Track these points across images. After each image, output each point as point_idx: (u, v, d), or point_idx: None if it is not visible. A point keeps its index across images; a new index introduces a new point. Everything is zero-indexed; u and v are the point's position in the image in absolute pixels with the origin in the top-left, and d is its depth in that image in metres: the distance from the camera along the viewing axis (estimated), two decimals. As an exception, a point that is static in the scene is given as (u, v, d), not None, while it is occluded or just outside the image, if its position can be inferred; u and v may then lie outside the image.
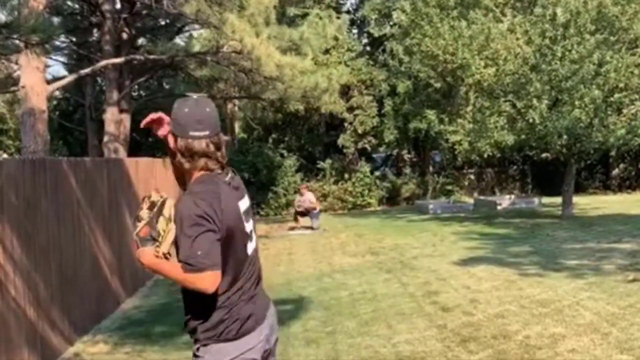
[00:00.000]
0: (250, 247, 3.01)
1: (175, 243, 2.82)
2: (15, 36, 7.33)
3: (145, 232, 2.89)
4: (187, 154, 2.86)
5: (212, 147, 2.87)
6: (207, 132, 2.86)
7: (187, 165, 2.89)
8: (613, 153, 25.56)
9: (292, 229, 18.99)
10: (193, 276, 2.71)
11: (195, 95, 2.97)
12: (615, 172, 29.62)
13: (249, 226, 3.01)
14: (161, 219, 2.87)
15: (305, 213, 18.97)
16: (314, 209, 18.89)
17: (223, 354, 2.84)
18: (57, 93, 24.80)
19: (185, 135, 2.86)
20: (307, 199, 19.12)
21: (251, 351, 2.90)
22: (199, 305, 2.84)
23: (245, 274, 2.94)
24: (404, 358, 6.21)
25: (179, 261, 2.74)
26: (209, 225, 2.73)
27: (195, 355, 2.92)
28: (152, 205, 2.91)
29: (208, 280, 2.72)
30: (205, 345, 2.86)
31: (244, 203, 3.02)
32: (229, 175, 2.98)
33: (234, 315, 2.86)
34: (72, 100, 25.72)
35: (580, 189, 26.71)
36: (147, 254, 2.85)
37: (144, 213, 2.91)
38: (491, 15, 17.32)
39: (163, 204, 2.90)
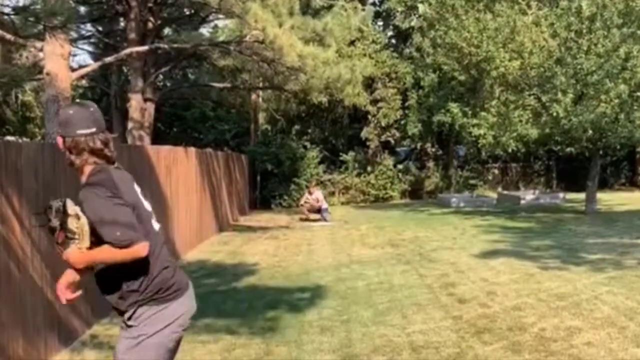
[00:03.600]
0: (156, 225, 3.24)
1: (94, 231, 2.97)
2: (33, 19, 7.40)
3: (63, 237, 3.02)
4: (75, 151, 3.08)
5: (98, 144, 3.09)
6: (93, 130, 3.09)
7: (77, 161, 3.09)
8: (640, 149, 25.24)
9: (305, 220, 19.10)
10: (126, 251, 2.91)
11: (78, 101, 3.20)
12: (642, 168, 29.25)
13: (148, 205, 3.24)
14: (69, 219, 2.99)
15: (315, 210, 19.11)
16: (323, 207, 18.99)
17: (157, 318, 3.07)
18: (83, 82, 25.09)
19: (72, 134, 3.07)
20: (316, 197, 19.24)
21: (180, 318, 3.15)
22: (124, 273, 3.03)
23: (158, 245, 3.13)
24: (417, 348, 6.19)
25: (108, 243, 2.92)
26: (119, 201, 2.96)
27: (128, 326, 3.08)
28: (57, 211, 3.02)
29: (141, 250, 2.94)
30: (141, 305, 3.05)
31: (137, 186, 3.24)
32: (116, 165, 3.19)
33: (160, 279, 3.08)
34: (98, 89, 25.96)
35: (605, 186, 26.46)
36: (73, 255, 3.02)
37: (54, 222, 3.02)
38: (517, 8, 17.14)
39: (64, 205, 3.01)
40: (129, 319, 3.07)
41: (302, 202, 19.96)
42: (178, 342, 3.25)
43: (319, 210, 19.08)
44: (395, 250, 12.68)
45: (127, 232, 2.91)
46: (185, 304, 3.19)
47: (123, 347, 3.08)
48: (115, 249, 2.90)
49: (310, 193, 19.59)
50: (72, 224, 2.99)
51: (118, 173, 3.12)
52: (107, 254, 2.95)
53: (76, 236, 2.99)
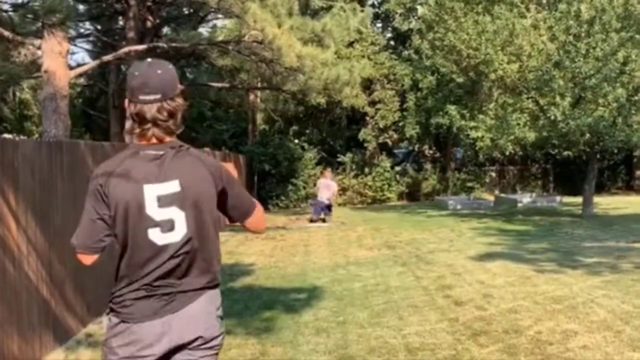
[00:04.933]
0: (160, 237, 2.64)
1: None
2: (32, 16, 7.38)
3: None
4: (138, 118, 2.67)
5: (164, 114, 2.66)
6: (157, 96, 2.64)
7: (137, 130, 2.70)
8: (637, 153, 25.27)
9: (310, 221, 19.05)
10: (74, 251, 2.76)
11: (150, 59, 2.77)
12: (639, 172, 29.27)
13: (160, 213, 2.64)
14: None
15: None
16: (327, 203, 18.87)
17: (112, 329, 2.70)
18: (81, 80, 25.05)
19: (134, 100, 2.67)
20: (327, 183, 19.06)
21: (134, 343, 2.65)
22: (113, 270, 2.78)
23: (146, 259, 2.65)
24: (413, 349, 6.18)
25: None
26: (93, 200, 2.67)
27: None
28: None
29: (80, 258, 2.75)
30: (110, 310, 2.74)
31: (166, 187, 2.64)
32: (165, 151, 2.69)
33: (125, 296, 2.67)
34: (96, 87, 25.91)
35: (602, 189, 26.46)
36: None
37: None
38: (515, 11, 17.16)
39: None
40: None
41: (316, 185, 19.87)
42: None
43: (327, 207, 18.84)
44: (391, 252, 12.67)
45: (78, 236, 2.70)
46: (134, 335, 2.64)
47: None
48: None
49: (324, 177, 19.42)
50: None
51: (133, 163, 2.66)
52: None
53: None
